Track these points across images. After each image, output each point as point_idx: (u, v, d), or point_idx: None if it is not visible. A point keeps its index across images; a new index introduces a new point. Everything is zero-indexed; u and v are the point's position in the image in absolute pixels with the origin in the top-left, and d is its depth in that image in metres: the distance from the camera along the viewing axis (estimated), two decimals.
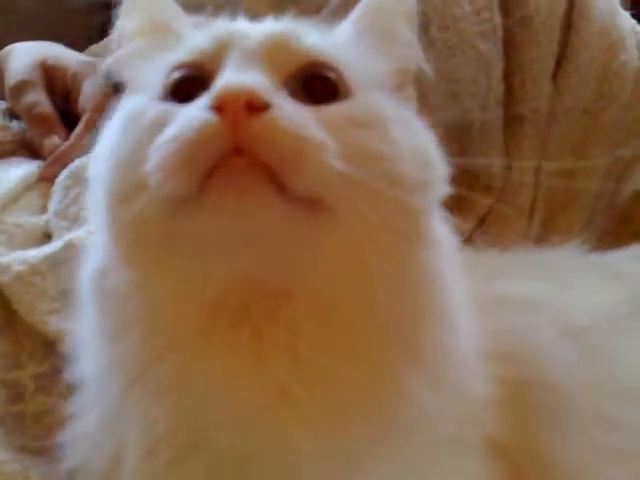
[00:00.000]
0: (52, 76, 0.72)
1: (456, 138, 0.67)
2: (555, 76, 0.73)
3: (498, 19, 0.70)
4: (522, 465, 0.44)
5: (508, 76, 0.71)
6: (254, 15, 0.46)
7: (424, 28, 0.65)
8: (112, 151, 0.40)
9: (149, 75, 0.43)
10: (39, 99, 0.70)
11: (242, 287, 0.38)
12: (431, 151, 0.42)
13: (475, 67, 0.68)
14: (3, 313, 0.54)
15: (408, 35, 0.46)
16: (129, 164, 0.38)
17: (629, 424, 0.46)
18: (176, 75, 0.40)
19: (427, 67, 0.47)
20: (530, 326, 0.48)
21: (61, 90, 0.72)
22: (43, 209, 0.62)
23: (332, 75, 0.40)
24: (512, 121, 0.71)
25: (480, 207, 0.69)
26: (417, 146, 0.41)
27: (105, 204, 0.40)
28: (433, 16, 0.66)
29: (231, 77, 0.36)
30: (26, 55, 0.74)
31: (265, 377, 0.38)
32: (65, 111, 0.71)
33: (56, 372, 0.49)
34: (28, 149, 0.69)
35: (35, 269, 0.54)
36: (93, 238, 0.45)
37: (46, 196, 0.63)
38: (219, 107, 0.34)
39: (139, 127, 0.39)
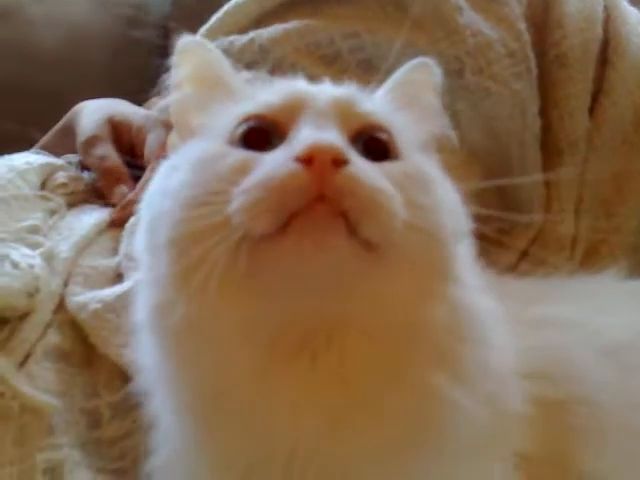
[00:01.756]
0: (119, 131, 0.77)
1: (496, 176, 0.70)
2: (592, 110, 0.75)
3: (532, 59, 0.72)
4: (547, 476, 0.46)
5: (545, 112, 0.73)
6: (308, 75, 0.50)
7: (459, 72, 0.68)
8: (183, 190, 0.42)
9: (214, 122, 0.47)
10: (108, 153, 0.74)
11: (304, 321, 0.41)
12: (460, 206, 0.46)
13: (510, 105, 0.70)
14: (82, 347, 0.58)
15: (435, 105, 0.51)
16: (208, 204, 0.40)
17: None
18: (247, 125, 0.44)
19: (452, 134, 0.51)
20: (566, 345, 0.51)
21: (127, 143, 0.77)
22: (115, 252, 0.66)
23: (385, 137, 0.44)
24: (550, 156, 0.74)
25: (519, 245, 0.71)
26: (452, 202, 0.45)
27: (172, 240, 0.41)
28: (467, 60, 0.69)
29: (315, 134, 0.40)
30: (95, 112, 0.79)
31: (320, 404, 0.41)
32: (131, 163, 0.76)
33: (129, 400, 0.52)
34: (99, 198, 0.74)
35: (109, 307, 0.58)
36: (146, 275, 0.46)
37: (117, 240, 0.66)
38: (308, 160, 0.37)
39: (217, 170, 0.41)
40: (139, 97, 0.92)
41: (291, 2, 0.72)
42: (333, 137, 0.40)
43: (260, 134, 0.43)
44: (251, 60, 0.71)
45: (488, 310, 0.47)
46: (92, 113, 0.80)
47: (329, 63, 0.70)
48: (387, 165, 0.43)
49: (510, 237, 0.71)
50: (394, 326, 0.42)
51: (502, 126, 0.71)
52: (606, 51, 0.77)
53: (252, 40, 0.72)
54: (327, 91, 0.46)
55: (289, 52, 0.69)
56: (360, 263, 0.39)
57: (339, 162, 0.38)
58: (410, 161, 0.45)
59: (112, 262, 0.65)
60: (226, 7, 0.77)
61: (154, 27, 1.17)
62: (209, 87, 0.50)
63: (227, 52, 0.72)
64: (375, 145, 0.43)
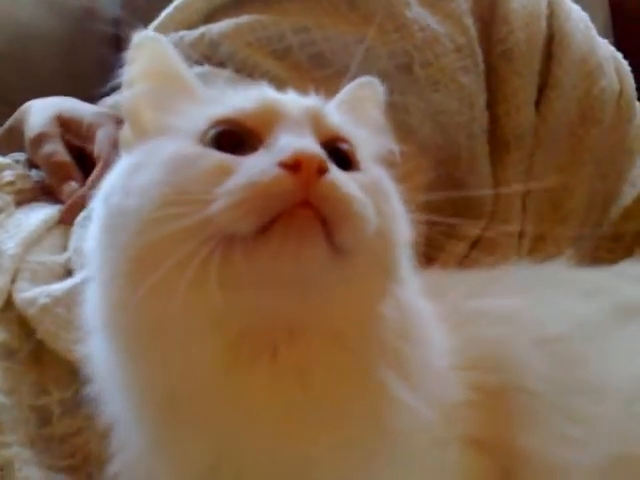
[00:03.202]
0: (68, 128, 0.76)
1: (445, 168, 0.71)
2: (539, 104, 0.77)
3: (479, 54, 0.74)
4: (505, 462, 0.48)
5: (492, 106, 0.75)
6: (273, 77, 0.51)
7: (408, 66, 0.69)
8: (154, 188, 0.42)
9: (180, 122, 0.46)
10: (56, 149, 0.73)
11: (270, 320, 0.42)
12: (405, 217, 0.48)
13: (458, 99, 0.71)
14: (31, 344, 0.57)
15: (381, 121, 0.53)
16: (185, 204, 0.39)
17: (597, 417, 0.49)
18: (221, 128, 0.45)
19: (396, 148, 0.53)
20: (504, 337, 0.53)
21: (77, 140, 0.76)
22: (64, 248, 0.65)
23: (348, 148, 0.46)
24: (498, 148, 0.75)
25: (472, 232, 0.72)
26: (402, 211, 0.48)
27: (141, 239, 0.41)
28: (415, 54, 0.70)
29: (298, 142, 0.41)
30: (43, 110, 0.78)
31: (278, 401, 0.42)
32: (81, 159, 0.75)
33: (80, 397, 0.51)
34: (48, 195, 0.73)
35: (58, 301, 0.57)
36: (100, 273, 0.45)
37: (66, 236, 0.66)
38: (294, 166, 0.39)
39: (195, 170, 0.41)
40: (92, 93, 0.90)
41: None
42: (315, 145, 0.42)
43: (233, 138, 0.44)
44: (202, 55, 0.71)
45: (425, 309, 0.50)
46: (40, 111, 0.79)
47: (280, 58, 0.70)
48: (355, 175, 0.44)
49: (462, 227, 0.72)
50: (350, 325, 0.44)
51: (451, 119, 0.72)
52: (551, 46, 0.79)
53: (202, 35, 0.71)
54: (298, 100, 0.48)
55: (240, 46, 0.69)
56: (331, 266, 0.40)
57: (323, 170, 0.39)
58: (370, 172, 0.46)
59: (61, 258, 0.64)
60: (176, 3, 0.77)
61: (105, 21, 1.16)
62: (164, 83, 0.49)
63: (177, 47, 0.71)
64: (339, 156, 0.45)
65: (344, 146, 0.46)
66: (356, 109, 0.53)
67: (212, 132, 0.45)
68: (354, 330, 0.44)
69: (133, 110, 0.50)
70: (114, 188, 0.45)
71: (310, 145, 0.41)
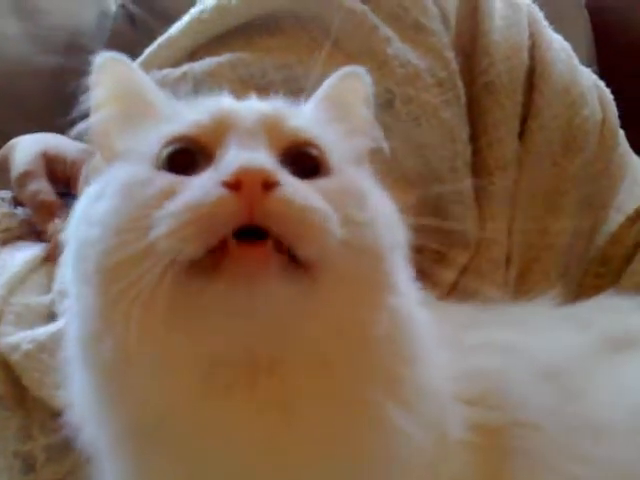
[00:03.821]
0: (53, 165, 0.77)
1: (431, 200, 0.71)
2: (521, 134, 0.77)
3: (460, 87, 0.74)
4: None
5: (475, 138, 0.75)
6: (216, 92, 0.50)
7: (389, 102, 0.69)
8: (110, 217, 0.41)
9: (137, 144, 0.45)
10: (41, 187, 0.74)
11: (239, 352, 0.40)
12: (395, 218, 0.46)
13: (440, 134, 0.71)
14: (15, 390, 0.57)
15: (365, 115, 0.50)
16: (133, 230, 0.38)
17: (600, 457, 0.48)
18: (173, 147, 0.43)
19: (385, 145, 0.51)
20: (504, 370, 0.51)
21: (62, 177, 0.77)
22: (49, 289, 0.65)
23: (315, 152, 0.44)
24: (482, 179, 0.75)
25: (458, 262, 0.72)
26: (387, 214, 0.45)
27: (99, 270, 0.40)
28: (396, 91, 0.70)
29: (242, 156, 0.39)
30: (28, 147, 0.78)
31: (261, 434, 0.40)
32: (67, 196, 0.75)
33: (66, 442, 0.50)
34: (33, 233, 0.73)
35: (42, 347, 0.57)
36: (75, 305, 0.44)
37: (51, 276, 0.66)
38: (236, 184, 0.37)
39: (142, 195, 0.40)
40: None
41: (223, 36, 0.72)
42: (261, 158, 0.39)
43: (186, 156, 0.42)
44: (185, 93, 0.71)
45: (426, 323, 0.47)
46: (25, 148, 0.79)
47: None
48: (321, 182, 0.42)
49: (450, 254, 0.72)
50: (334, 350, 0.41)
51: (433, 153, 0.72)
52: (532, 77, 0.79)
53: (185, 74, 0.72)
54: (254, 108, 0.45)
55: (222, 84, 0.70)
56: (294, 291, 0.38)
57: (269, 185, 0.37)
58: (343, 176, 0.44)
59: (46, 299, 0.64)
60: (159, 40, 0.77)
61: (90, 56, 1.16)
62: (130, 105, 0.48)
63: (161, 85, 0.72)
64: (305, 161, 0.43)
65: (311, 151, 0.44)
66: (339, 103, 0.50)
67: (164, 152, 0.43)
68: (339, 355, 0.41)
69: (101, 135, 0.49)
70: (80, 219, 0.44)
71: (255, 159, 0.39)
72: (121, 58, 0.49)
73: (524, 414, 0.49)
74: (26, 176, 0.75)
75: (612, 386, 0.52)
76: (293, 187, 0.39)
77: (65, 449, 0.53)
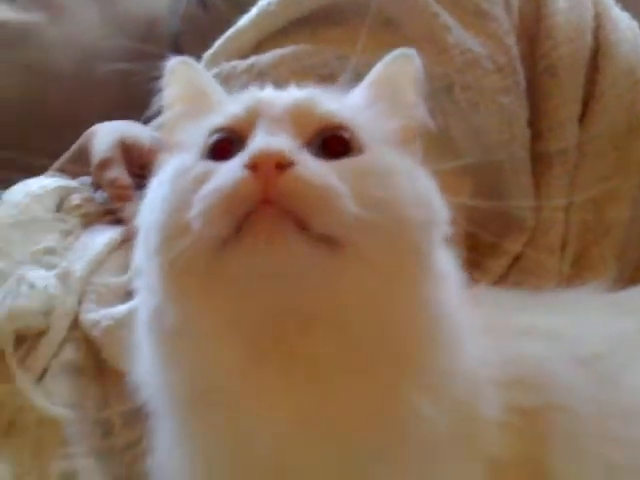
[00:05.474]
0: (130, 153, 0.80)
1: (488, 185, 0.72)
2: (582, 117, 0.77)
3: (520, 72, 0.74)
4: None
5: (534, 122, 0.75)
6: (280, 83, 0.53)
7: (448, 88, 0.70)
8: (162, 201, 0.46)
9: (191, 136, 0.49)
10: (119, 174, 0.78)
11: (276, 315, 0.43)
12: (433, 196, 0.47)
13: (499, 119, 0.72)
14: (95, 362, 0.62)
15: (413, 96, 0.52)
16: (176, 211, 0.43)
17: (635, 441, 0.49)
18: (214, 137, 0.47)
19: (431, 123, 0.52)
20: (545, 355, 0.52)
21: (139, 165, 0.79)
22: (126, 269, 0.69)
23: (346, 134, 0.46)
24: (540, 164, 0.76)
25: (513, 248, 0.73)
26: (420, 191, 0.46)
27: (156, 246, 0.45)
28: (456, 78, 0.71)
29: (262, 141, 0.43)
30: (107, 135, 0.83)
31: (292, 400, 0.43)
32: (143, 182, 0.80)
33: (140, 409, 0.54)
34: (111, 217, 0.77)
35: (120, 323, 0.62)
36: (145, 280, 0.49)
37: (128, 257, 0.68)
38: (253, 166, 0.40)
39: (185, 181, 0.45)
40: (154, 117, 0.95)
41: (288, 27, 0.75)
42: (279, 141, 0.42)
43: (225, 145, 0.46)
44: (250, 84, 0.74)
45: (463, 312, 0.48)
46: (105, 136, 0.83)
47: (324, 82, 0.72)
48: (344, 161, 0.44)
49: (504, 241, 0.73)
50: (361, 323, 0.43)
51: (492, 138, 0.73)
52: (596, 58, 0.79)
53: (251, 66, 0.75)
54: (286, 96, 0.49)
55: (286, 75, 0.72)
56: (315, 260, 0.41)
57: (283, 165, 0.40)
58: (371, 155, 0.46)
59: (123, 279, 0.68)
60: (228, 33, 0.80)
61: (166, 44, 1.21)
62: (195, 104, 0.52)
63: (230, 76, 0.75)
64: (335, 143, 0.45)
65: (341, 133, 0.46)
66: (388, 85, 0.52)
67: (208, 142, 0.47)
68: (363, 329, 0.43)
69: (170, 130, 0.54)
70: (145, 205, 0.49)
71: (272, 142, 0.42)
72: (189, 61, 0.55)
73: (560, 398, 0.50)
74: (105, 163, 0.79)
75: None
76: (307, 167, 0.41)
77: (138, 415, 0.55)
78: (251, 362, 0.43)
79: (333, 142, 0.45)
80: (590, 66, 0.78)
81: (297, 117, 0.45)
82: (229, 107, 0.49)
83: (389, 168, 0.46)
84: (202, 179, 0.43)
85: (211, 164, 0.45)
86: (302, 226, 0.40)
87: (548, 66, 0.76)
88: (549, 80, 0.76)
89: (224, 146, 0.46)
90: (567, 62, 0.77)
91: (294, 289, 0.42)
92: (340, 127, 0.46)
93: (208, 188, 0.42)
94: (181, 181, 0.45)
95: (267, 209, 0.39)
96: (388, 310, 0.44)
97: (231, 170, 0.42)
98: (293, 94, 0.49)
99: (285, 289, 0.42)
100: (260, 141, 0.43)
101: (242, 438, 0.44)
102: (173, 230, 0.43)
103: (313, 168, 0.41)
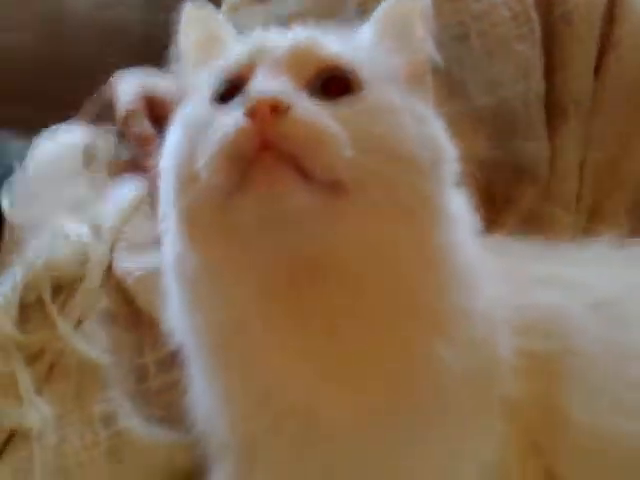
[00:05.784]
0: (153, 105, 0.81)
1: (502, 136, 0.72)
2: (598, 69, 0.77)
3: (535, 20, 0.74)
4: (532, 420, 0.49)
5: (550, 73, 0.75)
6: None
7: (463, 36, 0.71)
8: (175, 148, 0.47)
9: (202, 82, 0.49)
10: (143, 125, 0.79)
11: (285, 260, 0.43)
12: (439, 135, 0.47)
13: (514, 68, 0.72)
14: (129, 309, 0.65)
15: (421, 32, 0.51)
16: (188, 158, 0.44)
17: None
18: (220, 81, 0.47)
19: (438, 57, 0.52)
20: (559, 301, 0.53)
21: (162, 116, 0.81)
22: (156, 217, 0.71)
23: (346, 75, 0.45)
24: (555, 116, 0.75)
25: (527, 199, 0.73)
26: (424, 130, 0.46)
27: (173, 193, 0.46)
28: (471, 25, 0.71)
29: (258, 85, 0.43)
30: (130, 87, 0.83)
31: (308, 345, 0.44)
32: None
33: (173, 355, 0.57)
34: (138, 168, 0.78)
35: (152, 271, 0.63)
36: (166, 223, 0.50)
37: (156, 206, 0.72)
38: (250, 113, 0.40)
39: (194, 128, 0.45)
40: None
41: None
42: (274, 85, 0.42)
43: (231, 89, 0.46)
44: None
45: (480, 256, 0.49)
46: (128, 88, 0.84)
47: None
48: (343, 101, 0.44)
49: (516, 190, 0.73)
50: (366, 269, 0.44)
51: (507, 88, 0.73)
52: (613, 7, 0.78)
53: None
54: (287, 39, 0.48)
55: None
56: (318, 204, 0.41)
57: (279, 110, 0.40)
58: (371, 93, 0.45)
59: (153, 227, 0.70)
60: None
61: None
62: (211, 50, 0.53)
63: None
64: (336, 84, 0.45)
65: (342, 74, 0.45)
66: (394, 23, 0.51)
67: (215, 87, 0.47)
68: (373, 270, 0.43)
69: (186, 77, 0.54)
70: (164, 151, 0.50)
71: (267, 87, 0.42)
72: (205, 8, 0.55)
73: (575, 342, 0.51)
74: (130, 116, 0.80)
75: None
76: (303, 110, 0.41)
77: (172, 361, 0.59)
78: (267, 309, 0.44)
79: (333, 83, 0.45)
80: (606, 18, 0.78)
81: (296, 59, 0.45)
82: (234, 51, 0.49)
83: (390, 105, 0.45)
84: (206, 126, 0.44)
85: (214, 110, 0.46)
86: (304, 173, 0.40)
87: (564, 13, 0.76)
88: (565, 29, 0.76)
89: (229, 90, 0.46)
90: (583, 10, 0.76)
91: (297, 236, 0.43)
92: (339, 68, 0.46)
93: (212, 138, 0.42)
94: (189, 127, 0.46)
95: (266, 156, 0.40)
96: (394, 255, 0.44)
97: (232, 118, 0.41)
98: (294, 36, 0.49)
99: (289, 237, 0.43)
100: (256, 86, 0.43)
101: (258, 390, 0.46)
102: (186, 177, 0.44)
103: (307, 111, 0.41)
